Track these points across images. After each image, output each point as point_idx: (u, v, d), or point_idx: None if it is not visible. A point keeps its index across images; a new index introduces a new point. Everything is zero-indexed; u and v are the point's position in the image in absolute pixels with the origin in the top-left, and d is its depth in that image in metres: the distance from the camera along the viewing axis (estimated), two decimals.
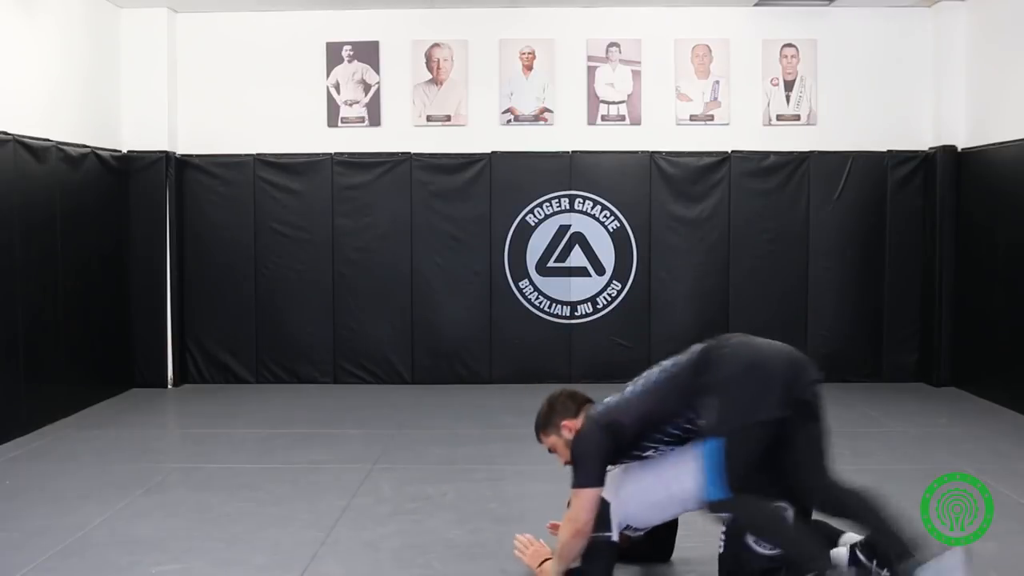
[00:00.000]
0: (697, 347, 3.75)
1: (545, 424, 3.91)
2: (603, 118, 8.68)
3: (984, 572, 4.03)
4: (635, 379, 3.86)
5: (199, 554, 4.31)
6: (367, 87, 8.69)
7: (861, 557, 3.61)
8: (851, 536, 3.73)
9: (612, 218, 8.63)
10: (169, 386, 8.58)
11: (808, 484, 3.68)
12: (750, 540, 3.64)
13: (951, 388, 8.29)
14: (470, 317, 8.67)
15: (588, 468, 3.66)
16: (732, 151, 8.60)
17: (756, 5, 8.51)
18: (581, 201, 8.64)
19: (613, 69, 8.65)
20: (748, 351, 3.67)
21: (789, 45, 8.64)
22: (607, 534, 3.70)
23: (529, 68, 8.65)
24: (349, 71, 8.69)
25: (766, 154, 8.58)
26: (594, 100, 8.67)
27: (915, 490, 4.50)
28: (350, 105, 8.70)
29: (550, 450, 3.94)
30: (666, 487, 3.75)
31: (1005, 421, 7.10)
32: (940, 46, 8.47)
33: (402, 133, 8.67)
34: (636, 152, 8.62)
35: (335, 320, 8.68)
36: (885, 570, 3.52)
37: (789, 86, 8.65)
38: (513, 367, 8.64)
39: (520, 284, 8.66)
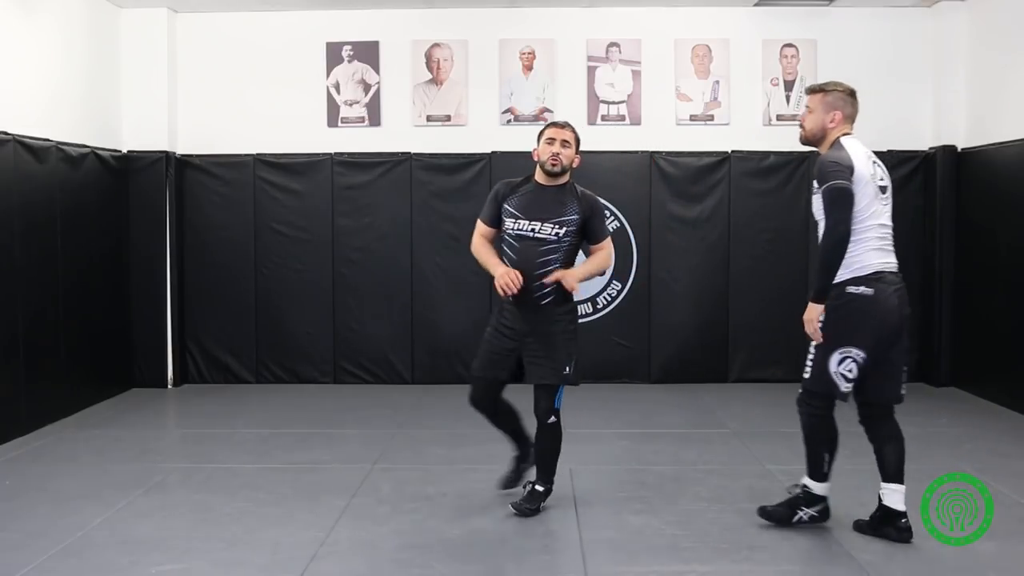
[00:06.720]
0: None
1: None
2: (603, 118, 8.68)
3: (984, 572, 4.04)
4: None
5: (199, 554, 4.31)
6: (367, 87, 8.69)
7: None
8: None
9: (612, 218, 8.62)
10: (169, 386, 8.58)
11: None
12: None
13: (951, 388, 8.29)
14: (470, 317, 8.65)
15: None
16: (732, 151, 8.60)
17: (756, 5, 8.51)
18: None
19: (613, 69, 8.66)
20: None
21: (789, 45, 8.64)
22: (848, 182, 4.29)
23: (529, 68, 8.65)
24: (349, 71, 8.69)
25: (766, 154, 8.58)
26: (594, 100, 8.67)
27: (915, 490, 4.50)
28: (350, 105, 8.71)
29: None
30: None
31: (1005, 421, 7.10)
32: (940, 46, 8.47)
33: (402, 133, 8.67)
34: (636, 152, 8.62)
35: (335, 320, 8.68)
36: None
37: (789, 86, 8.65)
38: None
39: None
